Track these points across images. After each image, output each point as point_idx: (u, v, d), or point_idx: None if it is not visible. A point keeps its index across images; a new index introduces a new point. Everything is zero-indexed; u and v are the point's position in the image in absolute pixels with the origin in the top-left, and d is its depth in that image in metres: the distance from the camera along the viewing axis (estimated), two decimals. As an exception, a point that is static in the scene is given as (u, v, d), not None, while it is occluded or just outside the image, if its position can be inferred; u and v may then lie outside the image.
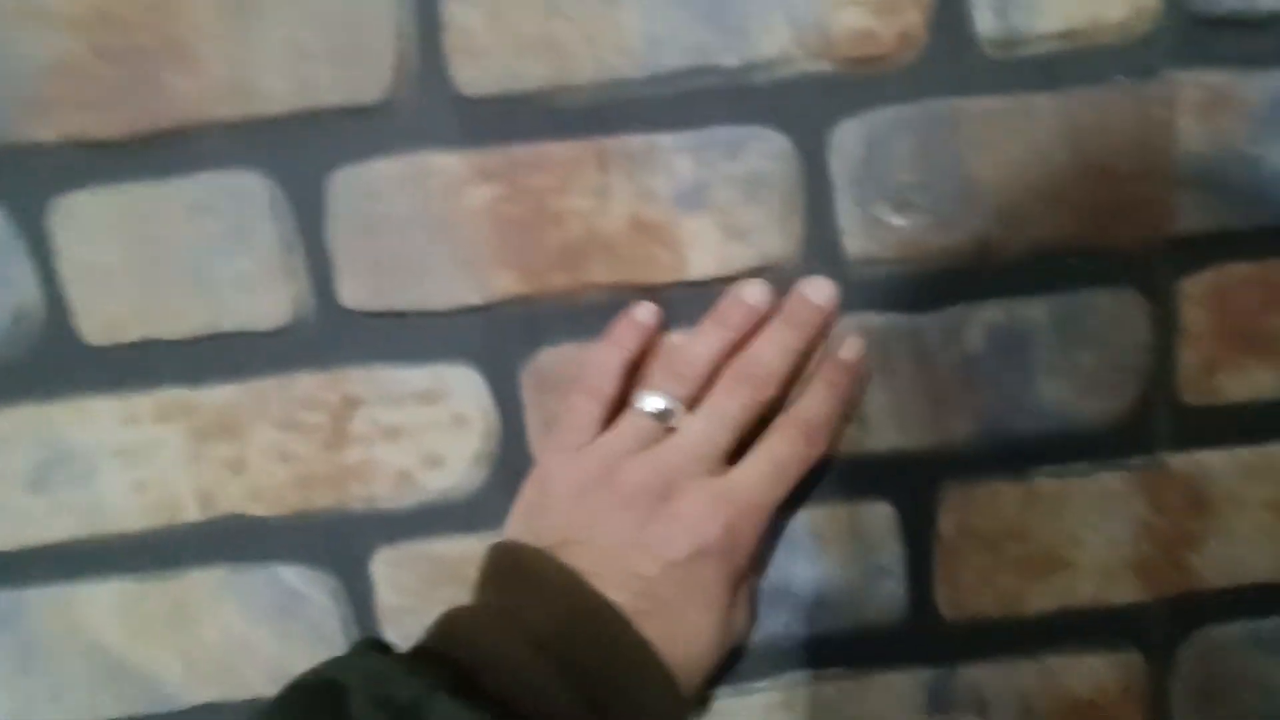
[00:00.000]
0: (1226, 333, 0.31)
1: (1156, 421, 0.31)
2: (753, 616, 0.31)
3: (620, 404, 0.29)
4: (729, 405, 0.28)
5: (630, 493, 0.26)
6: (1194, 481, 0.32)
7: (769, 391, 0.28)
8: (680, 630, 0.26)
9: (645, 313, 0.29)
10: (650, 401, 0.28)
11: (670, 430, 0.28)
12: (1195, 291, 0.31)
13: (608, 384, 0.29)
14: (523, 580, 0.26)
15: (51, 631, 0.32)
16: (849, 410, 0.30)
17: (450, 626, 0.26)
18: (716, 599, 0.27)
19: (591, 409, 0.29)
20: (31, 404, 0.30)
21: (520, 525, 0.29)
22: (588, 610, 0.25)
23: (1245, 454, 0.32)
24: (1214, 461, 0.32)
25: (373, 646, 0.26)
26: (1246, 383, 0.31)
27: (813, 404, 0.29)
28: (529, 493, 0.29)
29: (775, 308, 0.29)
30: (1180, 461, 0.32)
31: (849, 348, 0.29)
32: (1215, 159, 0.30)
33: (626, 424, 0.28)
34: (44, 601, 0.32)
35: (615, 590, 0.25)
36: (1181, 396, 0.31)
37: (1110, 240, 0.30)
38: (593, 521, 0.26)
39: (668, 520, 0.26)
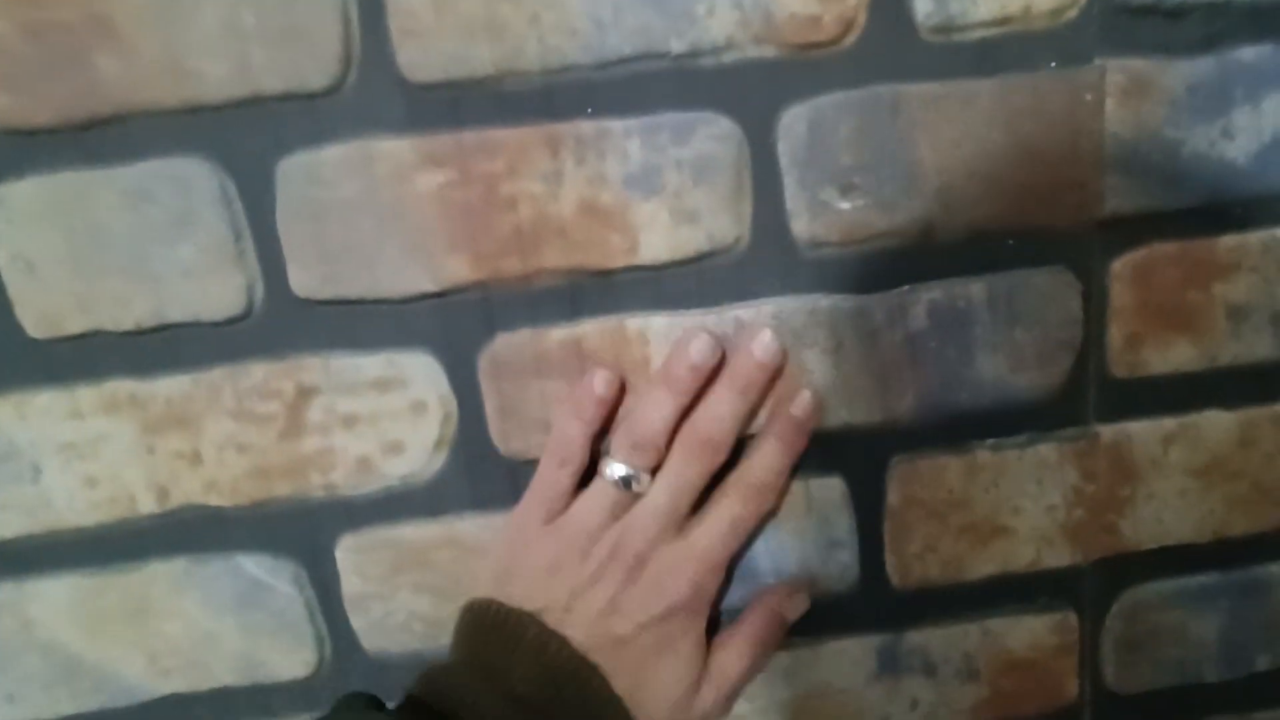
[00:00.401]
0: (1151, 309, 0.29)
1: (1087, 394, 0.30)
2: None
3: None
4: (686, 473, 0.27)
5: (604, 566, 0.26)
6: (1121, 450, 0.30)
7: (722, 456, 0.27)
8: (653, 682, 0.26)
9: (603, 384, 0.27)
10: (615, 470, 0.27)
11: (636, 495, 0.27)
12: (1123, 270, 0.29)
13: (574, 455, 0.27)
14: (504, 639, 0.26)
15: (4, 630, 0.29)
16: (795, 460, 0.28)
17: (434, 682, 0.25)
18: (686, 649, 0.27)
19: (561, 479, 0.28)
20: (-28, 400, 0.27)
21: (496, 587, 0.27)
22: (567, 670, 0.25)
23: (1168, 423, 0.30)
24: (1139, 431, 0.30)
25: (361, 702, 0.25)
26: (1169, 356, 0.30)
27: (764, 462, 0.28)
28: (505, 557, 0.28)
29: (720, 360, 0.27)
30: (1109, 431, 0.30)
31: (799, 404, 0.28)
32: (1138, 143, 0.28)
33: (596, 493, 0.27)
34: (-3, 599, 0.29)
35: (592, 651, 0.25)
36: (1110, 370, 0.29)
37: (1044, 222, 0.28)
38: (569, 593, 0.26)
39: (640, 586, 0.26)
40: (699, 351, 0.27)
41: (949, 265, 0.28)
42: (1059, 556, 0.31)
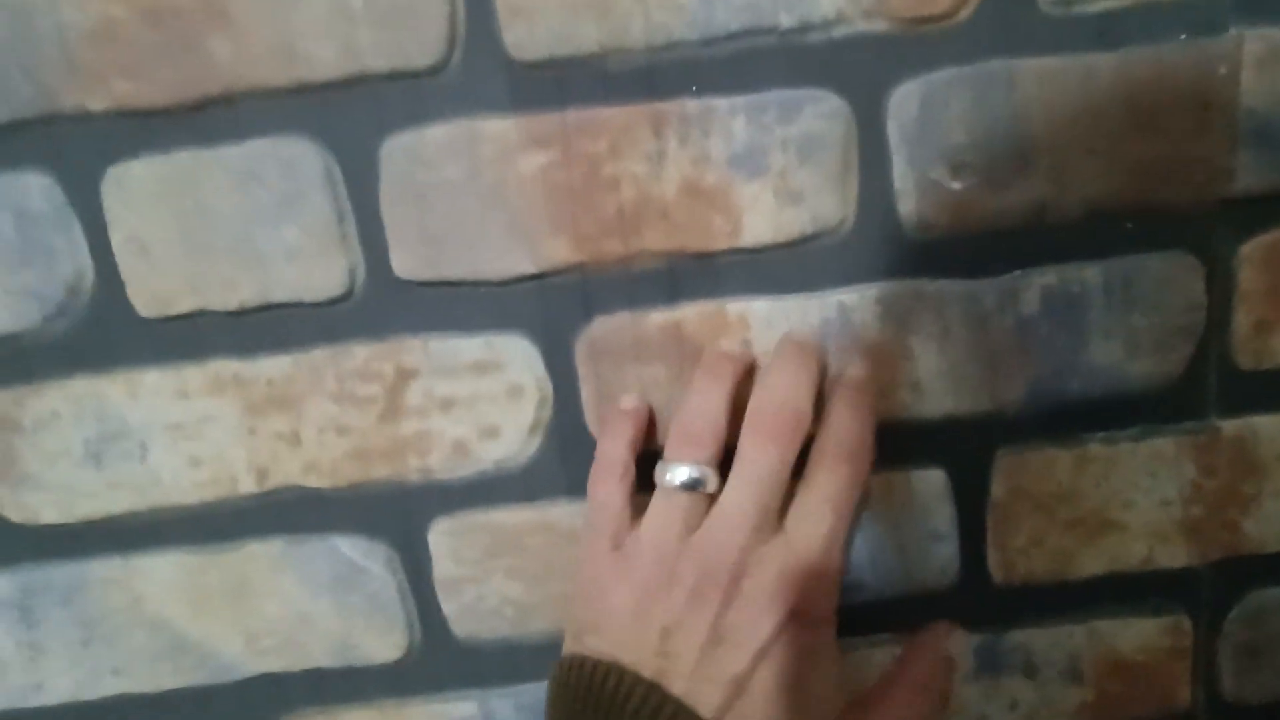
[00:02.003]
0: (1281, 295, 0.27)
1: (1208, 384, 0.27)
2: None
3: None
4: (765, 459, 0.22)
5: (695, 589, 0.21)
6: (1245, 445, 0.27)
7: (802, 433, 0.23)
8: (795, 705, 0.21)
9: (630, 400, 0.24)
10: (676, 473, 0.22)
11: (709, 497, 0.23)
12: (1252, 253, 0.26)
13: (619, 462, 0.24)
14: (600, 707, 0.21)
15: (112, 605, 0.27)
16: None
17: None
18: (820, 657, 0.22)
19: (616, 495, 0.24)
20: (85, 377, 0.26)
21: (579, 641, 0.23)
22: None
23: (1296, 417, 0.28)
24: (1266, 425, 0.27)
25: None
26: (1298, 345, 0.27)
27: (840, 429, 0.23)
28: (582, 604, 0.24)
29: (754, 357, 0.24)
30: (1232, 425, 0.27)
31: (855, 367, 0.24)
32: (1276, 116, 0.26)
33: (662, 506, 0.23)
34: (104, 576, 0.27)
35: (709, 696, 0.20)
36: (1235, 360, 0.26)
37: (1167, 202, 0.25)
38: (662, 632, 0.21)
39: (742, 606, 0.21)
40: (731, 347, 0.24)
41: (1063, 248, 0.26)
42: (1174, 555, 0.28)
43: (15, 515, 0.27)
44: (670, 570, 0.22)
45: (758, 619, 0.21)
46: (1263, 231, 0.25)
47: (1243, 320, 0.26)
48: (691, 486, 0.22)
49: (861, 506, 0.25)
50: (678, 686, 0.21)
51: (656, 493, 0.23)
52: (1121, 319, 0.26)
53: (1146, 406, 0.27)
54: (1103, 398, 0.27)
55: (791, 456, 0.23)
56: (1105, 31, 0.24)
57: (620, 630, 0.22)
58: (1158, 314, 0.26)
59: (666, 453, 0.24)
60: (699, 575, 0.22)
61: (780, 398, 0.23)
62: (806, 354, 0.24)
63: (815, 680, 0.22)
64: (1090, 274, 0.26)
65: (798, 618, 0.22)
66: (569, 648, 0.23)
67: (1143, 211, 0.25)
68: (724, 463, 0.23)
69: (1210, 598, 0.28)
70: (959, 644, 0.25)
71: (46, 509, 0.27)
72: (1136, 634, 0.28)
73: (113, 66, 0.24)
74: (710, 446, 0.23)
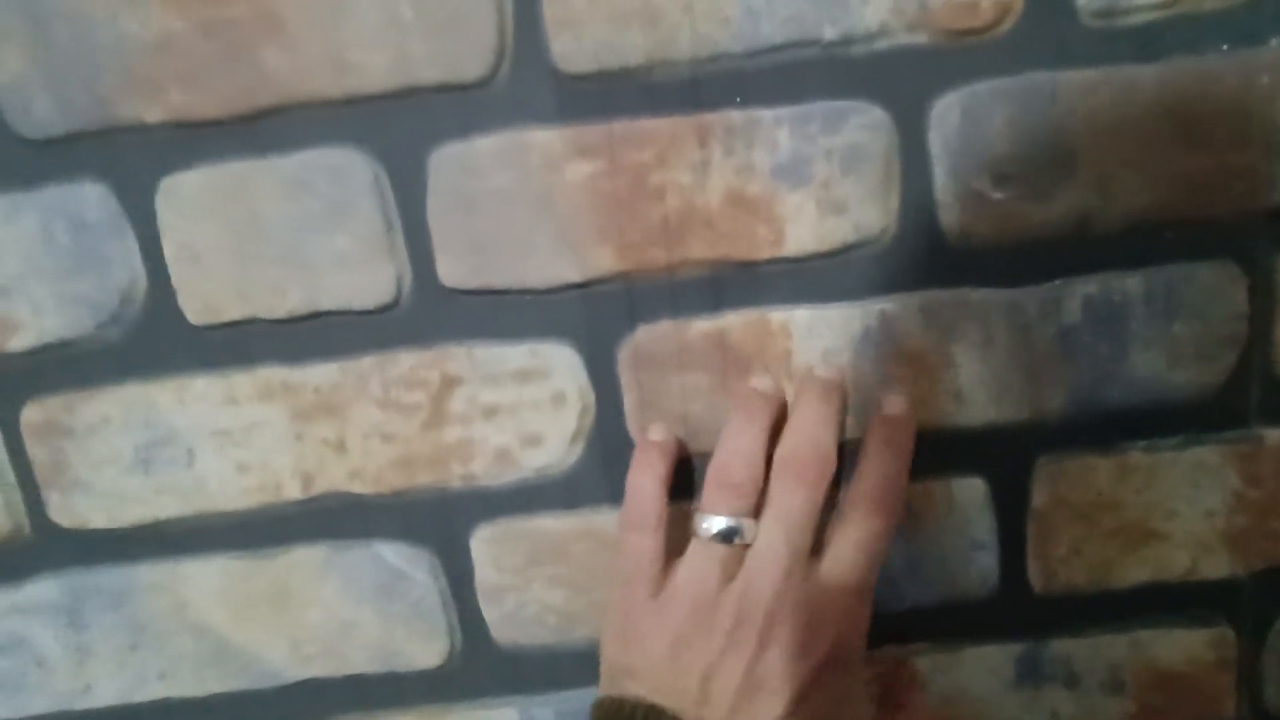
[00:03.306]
0: (1322, 304, 0.26)
1: (1251, 394, 0.26)
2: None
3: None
4: (794, 503, 0.22)
5: (732, 633, 0.21)
6: (1288, 454, 0.27)
7: (829, 474, 0.23)
8: None
9: (659, 431, 0.23)
10: (713, 524, 0.22)
11: (744, 546, 0.22)
12: (1294, 263, 0.26)
13: (652, 512, 0.23)
14: None
15: (159, 610, 0.27)
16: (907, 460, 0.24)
17: None
18: (852, 699, 0.22)
19: (649, 544, 0.23)
20: (135, 384, 0.25)
21: (620, 684, 0.22)
22: None
23: (1338, 426, 0.27)
24: (1308, 433, 0.27)
25: None
26: (1340, 355, 0.26)
27: (876, 471, 0.23)
28: (618, 650, 0.23)
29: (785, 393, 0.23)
30: (1275, 434, 0.26)
31: (892, 404, 0.24)
32: None
33: (698, 556, 0.23)
34: (151, 581, 0.27)
35: None
36: (1277, 369, 0.26)
37: (1208, 212, 0.25)
38: (701, 676, 0.21)
39: (778, 650, 0.21)
40: (764, 383, 0.23)
41: (1105, 257, 0.25)
42: (1217, 566, 0.27)
43: (65, 521, 0.26)
44: (708, 617, 0.22)
45: (793, 664, 0.21)
46: (1305, 241, 0.25)
47: (1285, 329, 0.26)
48: (728, 538, 0.22)
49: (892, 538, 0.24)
50: None
51: (693, 542, 0.23)
52: (1163, 328, 0.25)
53: (1189, 415, 0.26)
54: (1144, 407, 0.26)
55: (820, 496, 0.23)
56: (1147, 43, 0.24)
57: (658, 675, 0.22)
58: (1200, 323, 0.25)
59: (704, 499, 0.23)
60: (735, 621, 0.21)
61: (807, 441, 0.23)
62: (830, 392, 0.23)
63: (848, 715, 0.22)
64: (1132, 283, 0.25)
65: (832, 662, 0.21)
66: (605, 690, 0.22)
67: (1185, 222, 0.25)
68: (759, 504, 0.23)
69: (1254, 609, 0.27)
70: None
71: (95, 514, 0.26)
72: (1179, 645, 0.27)
73: (170, 78, 0.23)
74: (747, 495, 0.23)
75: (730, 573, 0.22)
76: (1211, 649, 0.27)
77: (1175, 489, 0.26)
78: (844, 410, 0.24)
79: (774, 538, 0.22)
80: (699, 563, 0.22)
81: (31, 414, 0.25)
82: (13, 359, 0.25)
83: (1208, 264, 0.25)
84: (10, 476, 0.26)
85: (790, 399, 0.24)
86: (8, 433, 0.26)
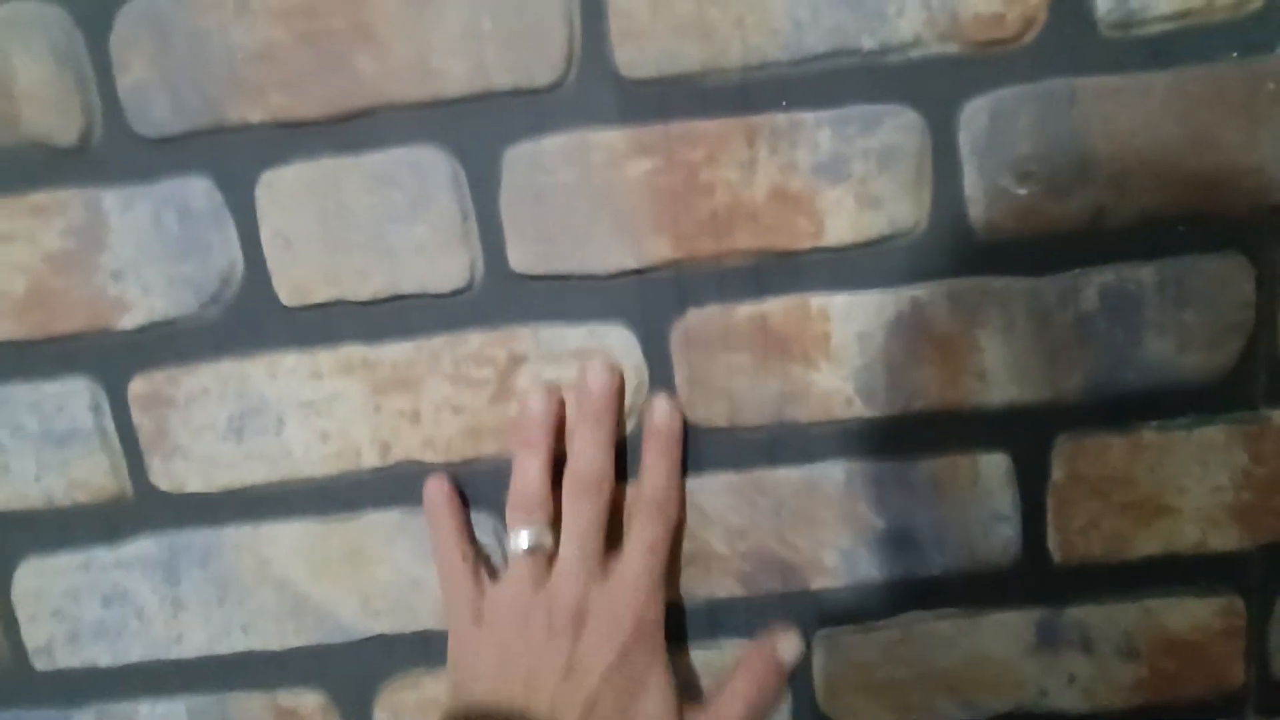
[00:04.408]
0: (1325, 295, 0.27)
1: (1257, 377, 0.27)
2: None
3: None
4: (582, 517, 0.25)
5: (547, 633, 0.24)
6: (1292, 434, 0.28)
7: (607, 488, 0.26)
8: (640, 711, 0.24)
9: (438, 487, 0.26)
10: (519, 540, 0.25)
11: (549, 557, 0.25)
12: (1298, 255, 0.27)
13: (458, 551, 0.26)
14: None
15: (244, 568, 0.28)
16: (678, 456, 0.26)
17: None
18: (655, 682, 0.25)
19: (464, 572, 0.26)
20: (231, 359, 0.27)
21: (461, 699, 0.25)
22: None
23: (1339, 409, 0.28)
24: (1312, 415, 0.28)
25: None
26: (1341, 342, 0.27)
27: (653, 480, 0.26)
28: (459, 672, 0.26)
29: (562, 404, 0.26)
30: (1280, 415, 0.28)
31: (659, 410, 0.26)
32: None
33: (511, 572, 0.26)
34: (237, 541, 0.28)
35: (568, 711, 0.23)
36: (1282, 354, 0.27)
37: (1218, 208, 0.26)
38: (527, 672, 0.24)
39: (587, 638, 0.24)
40: (537, 404, 0.26)
41: (1120, 249, 0.26)
42: (1225, 539, 0.28)
43: (164, 484, 0.28)
44: (525, 622, 0.25)
45: (601, 648, 0.24)
46: (1309, 235, 0.26)
47: (1290, 318, 0.27)
48: (533, 551, 0.25)
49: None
50: (542, 713, 0.23)
51: (508, 558, 0.26)
52: (1174, 316, 0.27)
53: (1198, 398, 0.27)
54: (1157, 389, 0.27)
55: (604, 505, 0.26)
56: (1160, 52, 0.25)
57: (492, 680, 0.24)
58: (1209, 311, 0.27)
59: (508, 522, 0.26)
60: (549, 621, 0.24)
61: (586, 463, 0.26)
62: (601, 412, 0.26)
63: (653, 693, 0.24)
64: (1145, 274, 0.26)
65: (634, 644, 0.24)
66: (449, 709, 0.25)
67: (1195, 217, 0.26)
68: (556, 519, 0.26)
69: (1261, 580, 0.28)
70: (790, 648, 0.27)
71: (192, 478, 0.28)
72: (1189, 613, 0.28)
73: (271, 82, 0.25)
74: (541, 511, 0.25)
75: (540, 580, 0.25)
76: (1220, 618, 0.28)
77: (1185, 466, 0.27)
78: (615, 425, 0.26)
79: (571, 548, 0.25)
80: (513, 579, 0.25)
81: (138, 386, 0.27)
82: (124, 335, 0.27)
83: (1217, 256, 0.26)
84: (117, 443, 0.28)
85: (567, 400, 0.26)
86: (116, 403, 0.28)
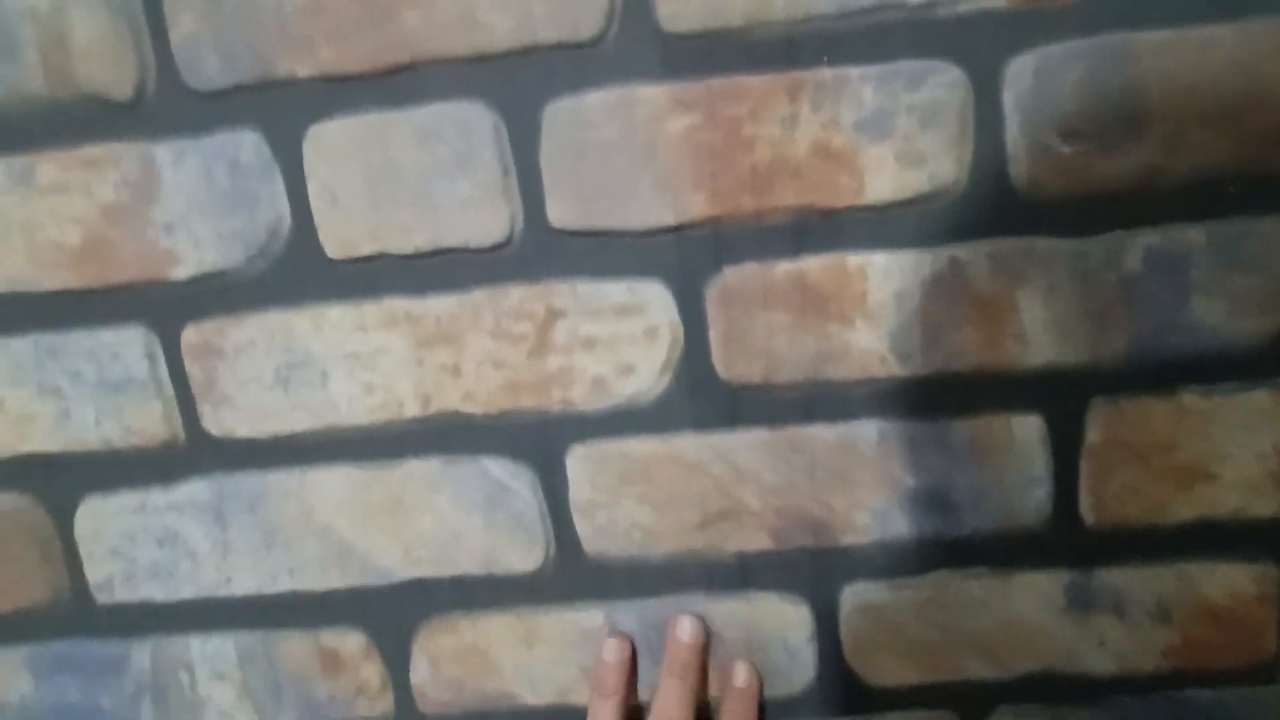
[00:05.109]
0: (1381, 259, 0.26)
1: (1306, 343, 0.27)
2: None
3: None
4: None
5: None
6: (1340, 401, 0.27)
7: None
8: None
9: (613, 651, 0.27)
10: None
11: None
12: (1355, 217, 0.26)
13: None
14: None
15: (290, 514, 0.29)
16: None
17: None
18: None
19: None
20: (278, 311, 0.28)
21: None
22: None
23: (1391, 377, 0.27)
24: (1361, 383, 0.27)
25: None
26: (1396, 308, 0.26)
27: None
28: None
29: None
30: (1328, 382, 0.27)
31: (740, 675, 0.27)
32: None
33: None
34: (284, 488, 0.29)
35: None
36: (1334, 320, 0.27)
37: (1274, 168, 0.26)
38: None
39: None
40: (611, 653, 0.27)
41: (1169, 211, 0.26)
42: (1266, 505, 0.27)
43: (215, 430, 0.29)
44: None
45: None
46: (1368, 197, 0.25)
47: (1344, 282, 0.26)
48: None
49: None
50: None
51: None
52: (1223, 279, 0.26)
53: (1246, 363, 0.26)
54: (1202, 353, 0.26)
55: None
56: (1224, 3, 0.24)
57: None
58: (1260, 275, 0.26)
59: None
60: None
61: (666, 715, 0.27)
62: (688, 665, 0.27)
63: None
64: (1194, 235, 0.26)
65: None
66: None
67: (1250, 177, 0.25)
68: None
69: (1300, 547, 0.28)
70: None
71: (240, 426, 0.29)
72: (1224, 579, 0.28)
73: (320, 36, 0.25)
74: None
75: None
76: (1256, 584, 0.27)
77: (1229, 432, 0.27)
78: (698, 682, 0.27)
79: None
80: None
81: (190, 336, 0.28)
82: (176, 287, 0.28)
83: (1271, 218, 0.25)
84: (170, 390, 0.29)
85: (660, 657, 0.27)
86: (169, 352, 0.28)
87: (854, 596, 0.28)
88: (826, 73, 0.25)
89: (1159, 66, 0.24)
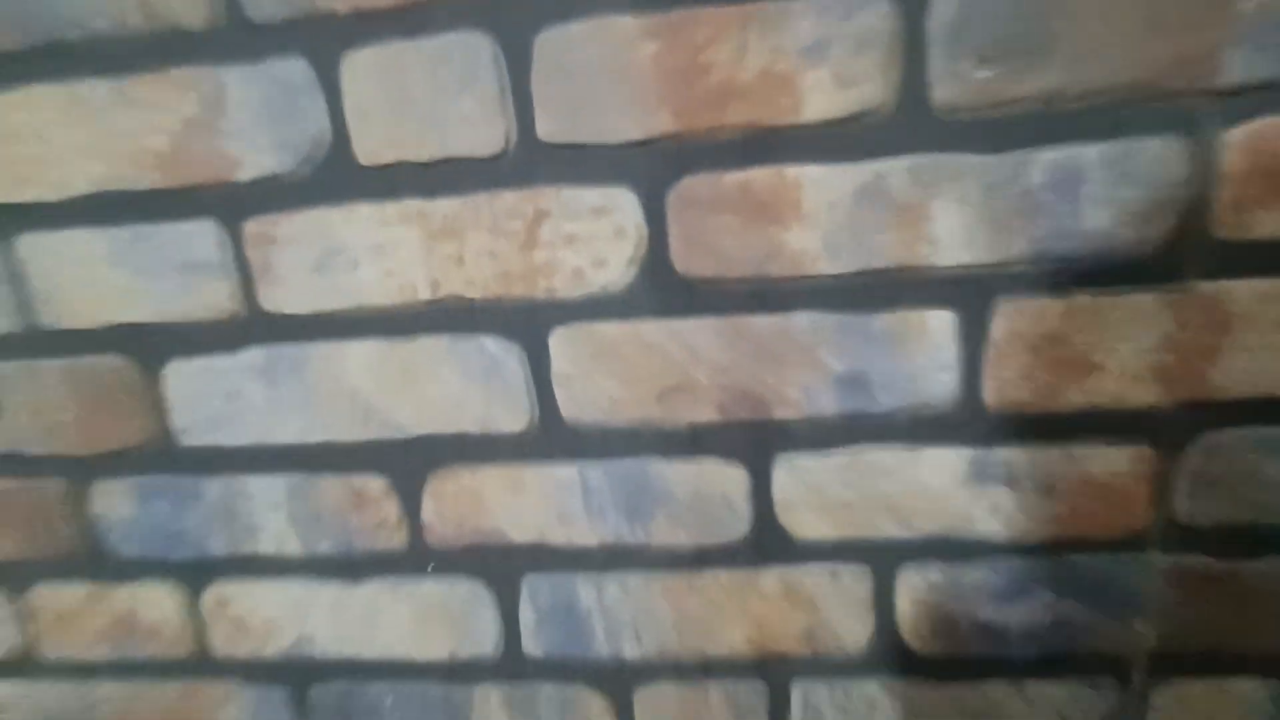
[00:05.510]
0: (1262, 177, 0.29)
1: (1189, 252, 0.30)
2: None
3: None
4: None
5: None
6: (1217, 304, 0.30)
7: None
8: None
9: None
10: None
11: None
12: (1236, 139, 0.28)
13: None
14: None
15: (325, 376, 0.36)
16: None
17: None
18: None
19: None
20: (318, 209, 0.33)
21: None
22: None
23: (1266, 284, 0.30)
24: (1237, 289, 0.29)
25: None
26: (1274, 222, 0.29)
27: None
28: None
29: None
30: (1207, 287, 0.30)
31: None
32: (1265, 18, 0.27)
33: None
34: (320, 357, 0.36)
35: None
36: (1214, 231, 0.30)
37: (1163, 91, 0.29)
38: None
39: None
40: None
41: (1068, 130, 0.29)
42: (1144, 395, 0.31)
43: (269, 306, 0.35)
44: None
45: None
46: (1247, 120, 0.28)
47: (1224, 197, 0.29)
48: None
49: None
50: None
51: None
52: (1113, 192, 0.29)
53: (1134, 268, 0.30)
54: (1094, 259, 0.30)
55: None
56: (1121, -54, 0.27)
57: None
58: (1146, 189, 0.29)
59: None
60: None
61: None
62: None
63: None
64: (1089, 152, 0.29)
65: None
66: None
67: (1141, 100, 0.28)
68: None
69: (1171, 433, 0.31)
70: None
71: (288, 303, 0.35)
72: (1106, 459, 0.32)
73: (353, -25, 0.31)
74: None
75: None
76: (1131, 464, 0.31)
77: (1115, 329, 0.30)
78: None
79: None
80: None
81: (250, 227, 0.34)
82: (239, 187, 0.34)
83: (1157, 138, 0.29)
84: (235, 273, 0.35)
85: None
86: (235, 241, 0.34)
87: (786, 462, 0.33)
88: (771, 6, 0.29)
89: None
